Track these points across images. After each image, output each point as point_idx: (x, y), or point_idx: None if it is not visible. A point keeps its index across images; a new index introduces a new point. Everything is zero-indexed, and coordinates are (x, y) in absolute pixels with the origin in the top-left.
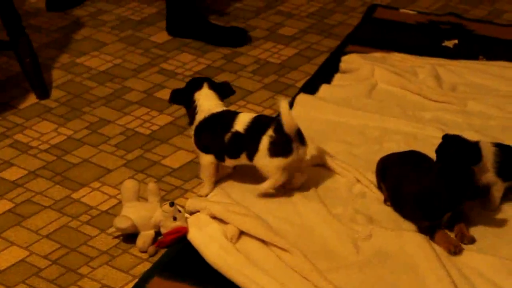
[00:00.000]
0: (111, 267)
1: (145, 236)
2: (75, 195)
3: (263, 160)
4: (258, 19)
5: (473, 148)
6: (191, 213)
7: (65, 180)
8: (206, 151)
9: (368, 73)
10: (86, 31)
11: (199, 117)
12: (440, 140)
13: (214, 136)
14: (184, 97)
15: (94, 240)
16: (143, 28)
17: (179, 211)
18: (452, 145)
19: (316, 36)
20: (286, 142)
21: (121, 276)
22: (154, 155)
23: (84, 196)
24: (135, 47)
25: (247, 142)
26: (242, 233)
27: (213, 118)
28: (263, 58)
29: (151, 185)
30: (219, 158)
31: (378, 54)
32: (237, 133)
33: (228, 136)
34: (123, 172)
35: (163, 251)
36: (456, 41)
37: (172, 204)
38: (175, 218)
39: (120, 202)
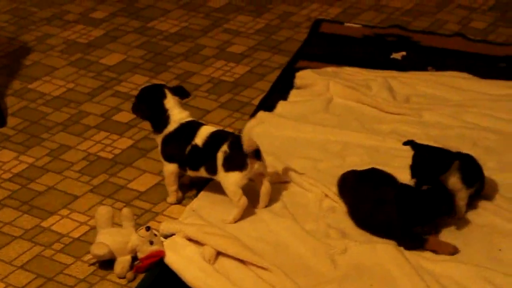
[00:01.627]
0: None
1: (123, 262)
2: (44, 224)
3: (221, 175)
4: (206, 37)
5: (447, 156)
6: (166, 237)
7: (33, 209)
8: (170, 160)
9: (323, 88)
10: (35, 56)
11: (171, 127)
12: (400, 152)
13: (178, 146)
14: (152, 107)
15: (70, 268)
16: (92, 51)
17: (155, 235)
18: (427, 157)
19: (265, 53)
20: (240, 157)
21: None
22: (119, 179)
23: (54, 224)
24: (86, 70)
25: (204, 157)
26: (219, 253)
27: (180, 129)
28: (216, 77)
29: (125, 210)
30: (182, 168)
31: (330, 69)
32: (196, 146)
33: (188, 148)
34: (90, 198)
35: (141, 276)
36: (404, 53)
37: (148, 229)
38: (151, 242)
39: (91, 229)
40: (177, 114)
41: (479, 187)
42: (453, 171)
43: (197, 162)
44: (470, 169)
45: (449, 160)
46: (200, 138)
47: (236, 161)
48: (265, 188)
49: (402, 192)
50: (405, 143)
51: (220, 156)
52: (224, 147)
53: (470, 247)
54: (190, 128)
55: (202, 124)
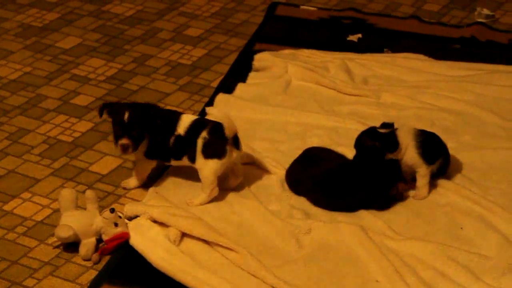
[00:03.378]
0: (56, 277)
1: (88, 244)
2: (6, 207)
3: (199, 162)
4: (162, 21)
5: (388, 137)
6: (130, 219)
7: None
8: (150, 157)
9: (282, 70)
10: None
11: None
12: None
13: (160, 139)
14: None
15: (34, 251)
16: (48, 34)
17: (120, 217)
18: (367, 138)
19: (222, 36)
20: (220, 144)
21: (68, 285)
22: (80, 162)
23: (16, 207)
24: (42, 54)
25: (187, 146)
26: (184, 235)
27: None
28: (174, 59)
29: (89, 193)
30: (165, 158)
31: (287, 51)
32: (179, 136)
33: (172, 139)
34: (52, 181)
35: (107, 258)
36: (360, 35)
37: (112, 211)
38: (116, 224)
39: (54, 212)
40: None
41: (443, 164)
42: (410, 148)
43: (180, 152)
44: (431, 146)
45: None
46: (182, 127)
47: (215, 148)
48: (238, 170)
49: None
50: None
51: (199, 142)
52: (204, 133)
53: (433, 226)
54: (169, 118)
55: (180, 114)
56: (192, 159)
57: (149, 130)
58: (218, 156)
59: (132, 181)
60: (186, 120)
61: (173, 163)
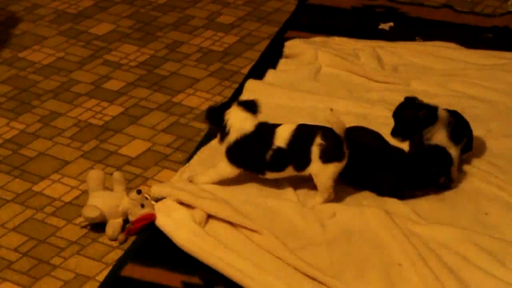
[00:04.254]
0: (83, 256)
1: (114, 225)
2: (36, 188)
3: (317, 168)
4: (195, 8)
5: (430, 108)
6: (157, 200)
7: (24, 174)
8: (239, 166)
9: (312, 57)
10: (24, 26)
11: (231, 137)
12: (388, 119)
13: (252, 154)
14: (215, 116)
15: (61, 231)
16: (82, 20)
17: (146, 198)
18: (409, 105)
19: (254, 23)
20: (339, 147)
21: (94, 264)
22: (110, 145)
23: (45, 188)
24: (76, 40)
25: (292, 156)
26: (210, 217)
27: (248, 138)
28: (205, 46)
29: (116, 174)
30: (259, 172)
31: (318, 39)
32: (279, 149)
33: (269, 153)
34: (82, 163)
35: (132, 238)
36: (392, 24)
37: (139, 192)
38: (142, 205)
39: (83, 193)
40: (236, 124)
41: (467, 144)
42: (440, 126)
43: (282, 164)
44: (457, 125)
45: (432, 113)
46: (281, 140)
47: (335, 152)
48: None
49: (398, 158)
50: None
51: (315, 149)
52: (318, 140)
53: (457, 211)
54: (262, 133)
55: (274, 126)
56: (301, 167)
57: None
58: (338, 159)
59: (202, 178)
60: (283, 132)
61: (269, 175)
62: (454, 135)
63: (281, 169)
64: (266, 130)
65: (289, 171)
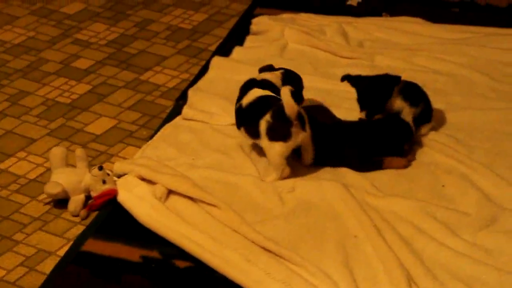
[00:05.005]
0: (45, 232)
1: (76, 201)
2: (2, 166)
3: (265, 143)
4: None
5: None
6: (119, 176)
7: None
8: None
9: (279, 33)
10: None
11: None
12: (352, 94)
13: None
14: None
15: (25, 207)
16: (53, 0)
17: (108, 175)
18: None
19: (224, 1)
20: (284, 127)
21: (55, 240)
22: (76, 123)
23: (11, 166)
24: (47, 19)
25: (246, 119)
26: (171, 192)
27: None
28: (174, 24)
29: (79, 151)
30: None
31: (286, 15)
32: (240, 106)
33: (236, 106)
34: (48, 141)
35: (94, 214)
36: (359, 0)
37: (100, 168)
38: (104, 182)
39: (47, 170)
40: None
41: (425, 111)
42: (395, 93)
43: (239, 122)
44: (413, 90)
45: (391, 83)
46: (246, 99)
47: (280, 131)
48: (308, 147)
49: (361, 126)
50: (342, 79)
51: (263, 124)
52: (267, 117)
53: (415, 184)
54: (245, 88)
55: (255, 84)
56: (252, 135)
57: None
58: (284, 139)
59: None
60: (253, 94)
61: (240, 133)
62: (409, 97)
63: (238, 127)
64: (248, 86)
65: (244, 134)
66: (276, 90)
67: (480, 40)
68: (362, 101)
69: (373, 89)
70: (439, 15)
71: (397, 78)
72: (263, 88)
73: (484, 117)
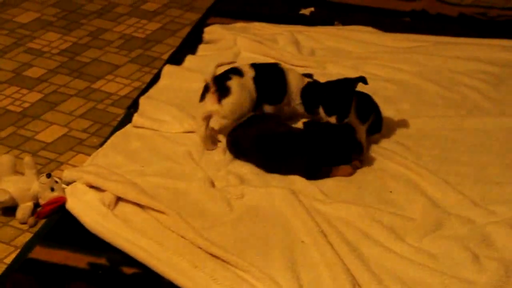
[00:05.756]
0: None
1: (24, 208)
2: None
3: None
4: None
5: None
6: (68, 184)
7: None
8: None
9: (231, 42)
10: None
11: None
12: None
13: None
14: None
15: None
16: (7, 9)
17: (56, 182)
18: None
19: (178, 10)
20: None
21: (3, 247)
22: (27, 131)
23: None
24: (0, 28)
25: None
26: (119, 199)
27: None
28: (128, 33)
29: (27, 159)
30: None
31: (239, 24)
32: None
33: None
34: None
35: (43, 221)
36: (312, 9)
37: (49, 176)
38: (52, 189)
39: None
40: None
41: (375, 122)
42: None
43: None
44: (364, 103)
45: (352, 83)
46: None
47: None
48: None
49: (311, 134)
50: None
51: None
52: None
53: (363, 190)
54: None
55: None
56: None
57: None
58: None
59: None
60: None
61: None
62: (360, 113)
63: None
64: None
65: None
66: None
67: (430, 48)
68: (329, 108)
69: (337, 93)
70: (391, 24)
71: (358, 78)
72: None
73: (433, 124)
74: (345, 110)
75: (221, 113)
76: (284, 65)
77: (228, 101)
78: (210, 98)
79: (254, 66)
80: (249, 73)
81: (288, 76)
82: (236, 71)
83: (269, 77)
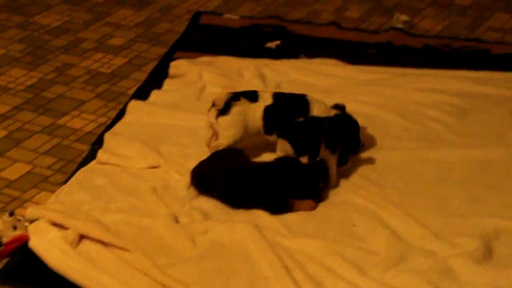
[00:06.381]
0: None
1: None
2: None
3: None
4: (87, 31)
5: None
6: (32, 222)
7: None
8: None
9: (197, 76)
10: None
11: None
12: None
13: None
14: None
15: None
16: None
17: (19, 220)
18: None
19: (144, 45)
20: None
21: None
22: None
23: None
24: None
25: None
26: (82, 237)
27: None
28: (94, 68)
29: None
30: None
31: (205, 59)
32: None
33: None
34: None
35: (5, 260)
36: (278, 42)
37: (11, 214)
38: (15, 227)
39: None
40: None
41: (342, 157)
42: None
43: None
44: (332, 135)
45: (319, 123)
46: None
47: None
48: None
49: (275, 168)
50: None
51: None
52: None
53: (327, 223)
54: None
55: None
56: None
57: None
58: None
59: None
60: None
61: None
62: (330, 144)
63: None
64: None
65: None
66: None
67: (395, 80)
68: (299, 148)
69: (305, 133)
70: (357, 56)
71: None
72: None
73: (397, 157)
74: (314, 149)
75: (216, 128)
76: (310, 97)
77: (224, 120)
78: (212, 111)
79: (275, 95)
80: (266, 101)
81: (312, 108)
82: (250, 96)
83: (289, 107)
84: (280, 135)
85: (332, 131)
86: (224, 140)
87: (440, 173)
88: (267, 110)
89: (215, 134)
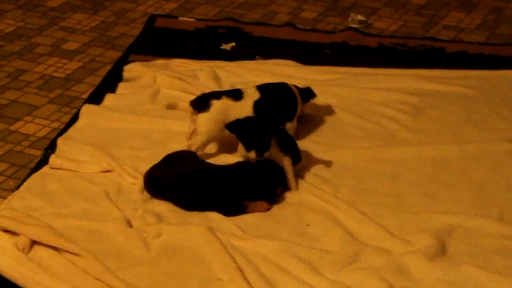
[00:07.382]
0: None
1: None
2: None
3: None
4: (41, 36)
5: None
6: None
7: None
8: None
9: (151, 80)
10: None
11: None
12: None
13: None
14: None
15: None
16: None
17: None
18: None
19: (99, 49)
20: None
21: None
22: None
23: None
24: None
25: None
26: (34, 243)
27: None
28: (48, 73)
29: None
30: None
31: (159, 61)
32: None
33: None
34: None
35: None
36: (233, 44)
37: None
38: None
39: None
40: None
41: (294, 155)
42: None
43: None
44: (283, 136)
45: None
46: None
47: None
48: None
49: (230, 171)
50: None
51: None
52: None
53: (282, 224)
54: None
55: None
56: None
57: None
58: None
59: None
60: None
61: None
62: (282, 146)
63: None
64: None
65: None
66: None
67: (349, 80)
68: (247, 143)
69: (254, 128)
70: (312, 57)
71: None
72: None
73: (351, 156)
74: (265, 144)
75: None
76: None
77: (202, 116)
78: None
79: (260, 88)
80: (252, 97)
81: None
82: (233, 94)
83: (278, 97)
84: (228, 129)
85: (283, 130)
86: (199, 136)
87: (395, 171)
88: (257, 104)
89: (195, 131)
